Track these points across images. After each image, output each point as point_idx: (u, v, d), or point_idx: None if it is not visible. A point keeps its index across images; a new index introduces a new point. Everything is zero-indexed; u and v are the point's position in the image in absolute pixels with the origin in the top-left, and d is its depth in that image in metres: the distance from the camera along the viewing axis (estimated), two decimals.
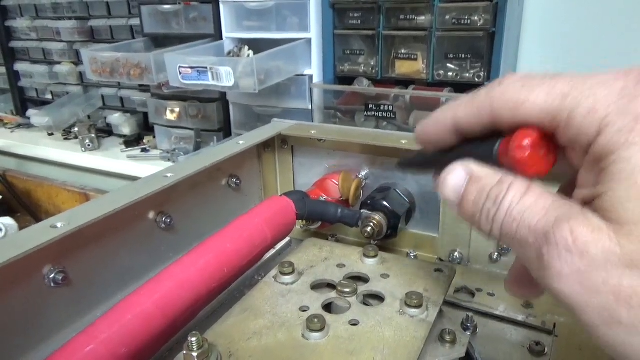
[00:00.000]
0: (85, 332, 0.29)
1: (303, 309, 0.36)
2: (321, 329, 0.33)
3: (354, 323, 0.34)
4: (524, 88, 0.22)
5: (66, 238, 0.34)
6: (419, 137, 0.28)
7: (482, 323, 0.44)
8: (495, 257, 0.50)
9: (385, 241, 0.54)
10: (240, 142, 0.53)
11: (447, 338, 0.34)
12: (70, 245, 0.36)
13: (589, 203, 0.20)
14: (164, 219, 0.45)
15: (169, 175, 0.44)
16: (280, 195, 0.47)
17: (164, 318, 0.32)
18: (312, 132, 0.57)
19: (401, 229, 0.54)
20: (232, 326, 0.34)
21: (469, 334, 0.37)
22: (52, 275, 0.35)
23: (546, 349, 0.40)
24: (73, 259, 0.37)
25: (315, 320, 0.33)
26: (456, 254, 0.53)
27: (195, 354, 0.30)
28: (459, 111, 0.25)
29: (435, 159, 0.28)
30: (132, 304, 0.32)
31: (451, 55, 1.01)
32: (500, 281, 0.49)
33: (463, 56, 1.00)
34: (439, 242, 0.54)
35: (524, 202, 0.21)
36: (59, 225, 0.34)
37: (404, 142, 0.52)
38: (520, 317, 0.44)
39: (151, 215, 0.44)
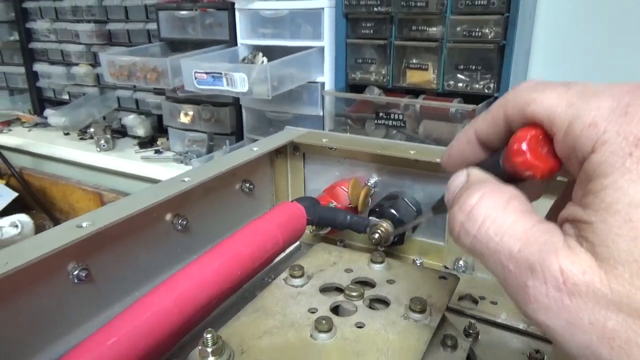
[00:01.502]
0: (107, 326, 0.31)
1: (312, 311, 0.38)
2: (329, 330, 0.35)
3: (360, 325, 0.36)
4: (536, 90, 0.21)
5: (90, 237, 0.36)
6: (444, 162, 0.28)
7: (484, 330, 0.45)
8: None
9: (392, 248, 0.55)
10: (254, 148, 0.55)
11: (449, 343, 0.36)
12: (93, 244, 0.38)
13: (572, 221, 0.19)
14: (180, 221, 0.47)
15: (186, 179, 0.46)
16: (292, 201, 0.49)
17: (180, 315, 0.34)
18: (324, 140, 0.59)
19: (408, 237, 0.55)
20: (244, 325, 0.36)
21: (470, 340, 0.39)
22: (75, 272, 0.37)
23: (545, 357, 0.41)
24: (95, 257, 0.39)
25: (324, 321, 0.35)
26: (461, 262, 0.54)
27: (209, 350, 0.32)
28: (477, 124, 0.25)
29: None
30: (151, 301, 0.34)
31: (462, 66, 1.02)
32: (503, 290, 0.51)
33: (473, 67, 1.01)
34: (444, 250, 0.55)
35: (502, 220, 0.20)
36: (84, 224, 0.37)
37: (412, 152, 0.53)
38: (521, 325, 0.45)
39: (168, 217, 0.46)
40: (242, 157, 0.53)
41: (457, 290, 0.44)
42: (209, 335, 0.32)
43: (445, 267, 0.55)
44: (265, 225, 0.44)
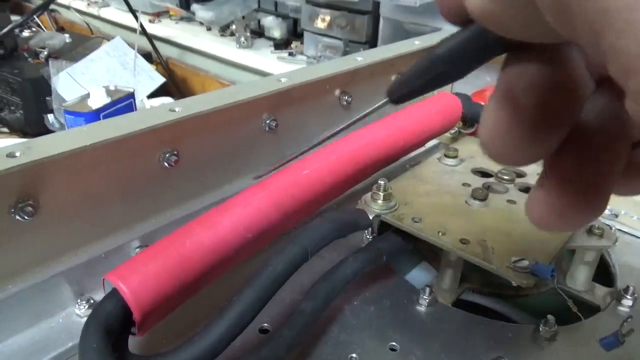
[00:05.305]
0: (302, 161, 0.38)
1: (465, 184, 0.42)
2: (484, 199, 0.39)
3: (512, 202, 0.39)
4: None
5: (281, 93, 0.43)
6: None
7: (622, 239, 0.46)
8: None
9: None
10: (416, 42, 0.58)
11: (596, 231, 0.38)
12: (282, 100, 0.45)
13: None
14: (346, 97, 0.52)
15: (359, 58, 0.50)
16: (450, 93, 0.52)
17: (357, 165, 0.40)
18: None
19: None
20: (405, 186, 0.41)
21: (616, 235, 0.40)
22: (268, 121, 0.44)
23: None
24: (282, 111, 0.45)
25: (480, 190, 0.39)
26: None
27: (381, 194, 0.37)
28: None
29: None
30: (333, 149, 0.40)
31: None
32: None
33: None
34: None
35: None
36: (282, 80, 0.43)
37: None
38: None
39: (337, 92, 0.51)
40: (403, 48, 0.56)
41: None
42: (382, 182, 0.38)
43: None
44: (425, 109, 0.48)
